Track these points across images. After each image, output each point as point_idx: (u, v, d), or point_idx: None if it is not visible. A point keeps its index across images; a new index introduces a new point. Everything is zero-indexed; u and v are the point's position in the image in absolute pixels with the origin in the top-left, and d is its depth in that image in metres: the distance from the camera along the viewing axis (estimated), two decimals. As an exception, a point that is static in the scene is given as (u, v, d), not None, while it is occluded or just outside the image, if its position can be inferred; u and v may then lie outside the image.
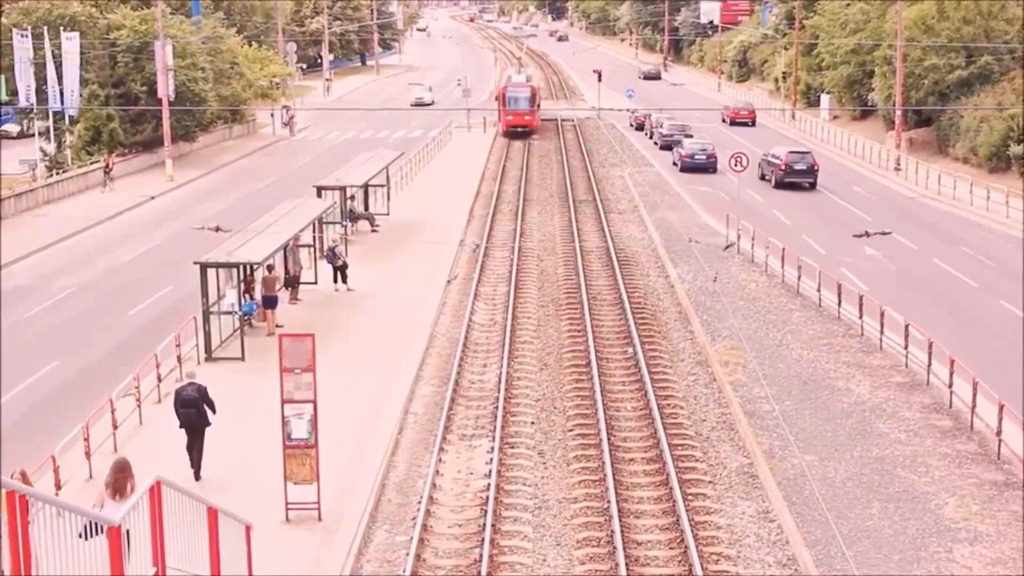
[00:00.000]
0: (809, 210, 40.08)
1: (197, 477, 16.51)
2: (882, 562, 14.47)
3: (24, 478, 13.28)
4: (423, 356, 23.03)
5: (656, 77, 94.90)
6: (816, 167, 44.34)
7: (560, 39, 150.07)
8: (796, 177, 44.04)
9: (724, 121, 63.17)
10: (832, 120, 63.42)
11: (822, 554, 14.58)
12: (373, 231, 34.80)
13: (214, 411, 16.82)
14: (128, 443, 17.79)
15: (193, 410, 16.57)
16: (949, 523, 15.53)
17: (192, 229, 29.44)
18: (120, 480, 11.95)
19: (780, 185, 43.82)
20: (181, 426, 16.63)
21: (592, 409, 19.98)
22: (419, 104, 73.98)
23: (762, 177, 45.22)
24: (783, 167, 44.07)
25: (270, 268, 23.57)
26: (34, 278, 30.66)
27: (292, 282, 26.62)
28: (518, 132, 59.46)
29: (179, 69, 50.23)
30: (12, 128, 54.76)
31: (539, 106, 62.18)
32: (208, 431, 16.81)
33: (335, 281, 27.85)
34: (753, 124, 63.56)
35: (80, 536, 8.23)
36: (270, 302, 23.91)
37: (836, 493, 16.39)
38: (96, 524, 9.32)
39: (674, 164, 49.77)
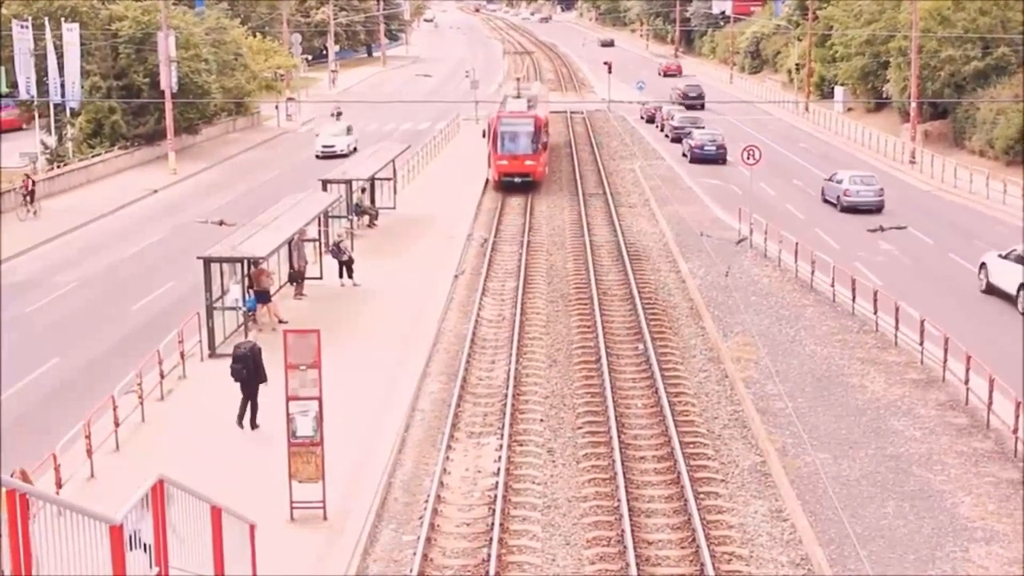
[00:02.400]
0: (822, 204, 39.72)
1: (253, 426, 18.37)
2: (897, 562, 14.32)
3: (24, 477, 13.23)
4: (430, 352, 22.85)
5: (611, 44, 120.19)
6: (882, 195, 37.77)
7: (543, 20, 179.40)
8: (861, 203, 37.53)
9: (660, 75, 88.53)
10: (846, 112, 62.97)
11: (836, 554, 14.44)
12: (370, 226, 34.56)
13: (263, 375, 18.31)
14: (130, 441, 17.68)
15: (240, 366, 18.18)
16: (965, 522, 15.36)
17: (196, 223, 29.29)
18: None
19: (846, 210, 37.28)
20: (235, 380, 18.09)
21: (602, 406, 19.82)
22: (328, 155, 48.65)
23: (825, 200, 39.28)
24: (844, 194, 38.02)
25: (256, 263, 23.25)
26: (35, 273, 30.51)
27: (297, 277, 26.42)
28: (515, 184, 40.00)
29: (182, 60, 49.79)
30: None
31: (546, 145, 42.96)
32: (210, 429, 16.71)
33: (341, 276, 27.65)
34: (679, 75, 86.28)
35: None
36: (261, 297, 23.69)
37: (850, 492, 16.23)
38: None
39: (683, 155, 49.74)
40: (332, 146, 49.68)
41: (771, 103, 68.73)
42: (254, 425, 18.41)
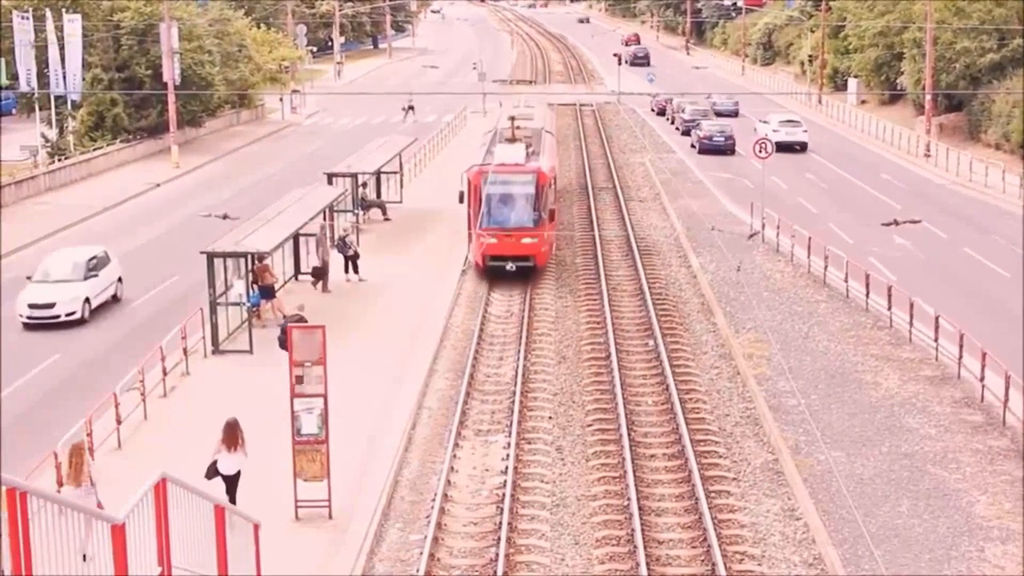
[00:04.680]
0: (835, 198, 39.42)
1: None
2: (911, 562, 14.21)
3: (79, 451, 13.62)
4: (437, 349, 22.68)
5: (586, 21, 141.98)
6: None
7: (531, 6, 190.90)
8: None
9: (623, 44, 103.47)
10: (860, 105, 62.54)
11: (849, 553, 14.32)
12: (385, 219, 34.38)
13: None
14: (132, 439, 17.58)
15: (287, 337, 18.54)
16: (981, 521, 15.24)
17: (199, 217, 29.05)
18: (231, 435, 14.71)
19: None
20: (283, 350, 17.94)
21: (612, 403, 19.66)
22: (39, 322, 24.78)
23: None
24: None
25: (260, 259, 23.09)
26: (35, 268, 30.28)
27: (322, 272, 26.18)
28: (504, 270, 27.15)
29: (185, 52, 49.33)
30: None
31: (554, 214, 29.20)
32: (213, 427, 16.50)
33: (346, 271, 27.48)
34: (638, 44, 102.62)
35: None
36: (266, 293, 23.52)
37: (864, 490, 16.11)
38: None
39: (692, 146, 49.86)
40: (45, 306, 24.41)
41: (783, 94, 68.32)
42: None
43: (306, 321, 19.94)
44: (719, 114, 55.86)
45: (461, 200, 28.23)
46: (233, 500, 14.15)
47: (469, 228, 28.07)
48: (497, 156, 28.11)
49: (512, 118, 30.27)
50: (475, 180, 27.66)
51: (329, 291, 26.25)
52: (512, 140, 29.01)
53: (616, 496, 16.14)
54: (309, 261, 27.78)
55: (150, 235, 34.13)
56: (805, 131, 49.70)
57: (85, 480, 13.32)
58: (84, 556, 8.13)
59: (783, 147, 46.10)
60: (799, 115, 53.78)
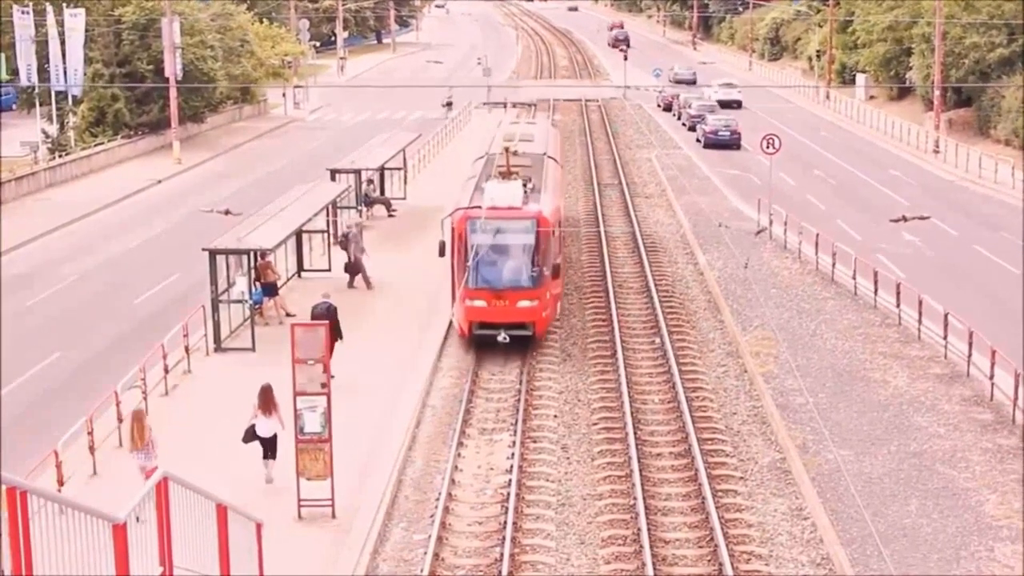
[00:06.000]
0: (844, 194, 39.23)
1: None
2: (920, 561, 14.12)
3: (140, 416, 14.98)
4: (441, 346, 22.55)
5: (575, 9, 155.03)
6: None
7: None
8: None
9: (608, 29, 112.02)
10: (868, 100, 62.28)
11: (858, 553, 14.23)
12: (390, 216, 34.23)
13: (339, 333, 19.77)
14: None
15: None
16: (990, 521, 15.15)
17: (201, 212, 28.92)
18: (266, 399, 15.40)
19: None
20: None
21: (618, 402, 19.56)
22: None
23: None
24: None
25: (263, 255, 22.99)
26: (36, 265, 30.29)
27: (354, 269, 25.98)
28: (495, 340, 22.02)
29: (187, 47, 49.12)
30: None
31: (559, 269, 23.76)
32: (215, 426, 16.53)
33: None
34: (622, 29, 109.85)
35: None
36: (268, 290, 23.44)
37: (872, 489, 16.01)
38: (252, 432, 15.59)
39: (697, 141, 49.93)
40: None
41: (790, 87, 68.12)
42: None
43: (334, 308, 20.35)
44: (678, 82, 68.80)
45: (442, 253, 22.84)
46: (274, 457, 15.61)
47: (453, 287, 22.76)
48: (487, 196, 22.33)
49: (507, 148, 24.18)
50: (459, 227, 22.07)
51: (355, 287, 25.99)
52: (506, 174, 23.17)
53: (622, 495, 16.04)
54: (312, 259, 27.70)
55: (151, 232, 34.07)
56: (739, 92, 62.73)
57: (147, 444, 14.78)
58: (137, 518, 8.54)
59: (723, 104, 58.90)
60: (736, 80, 68.90)
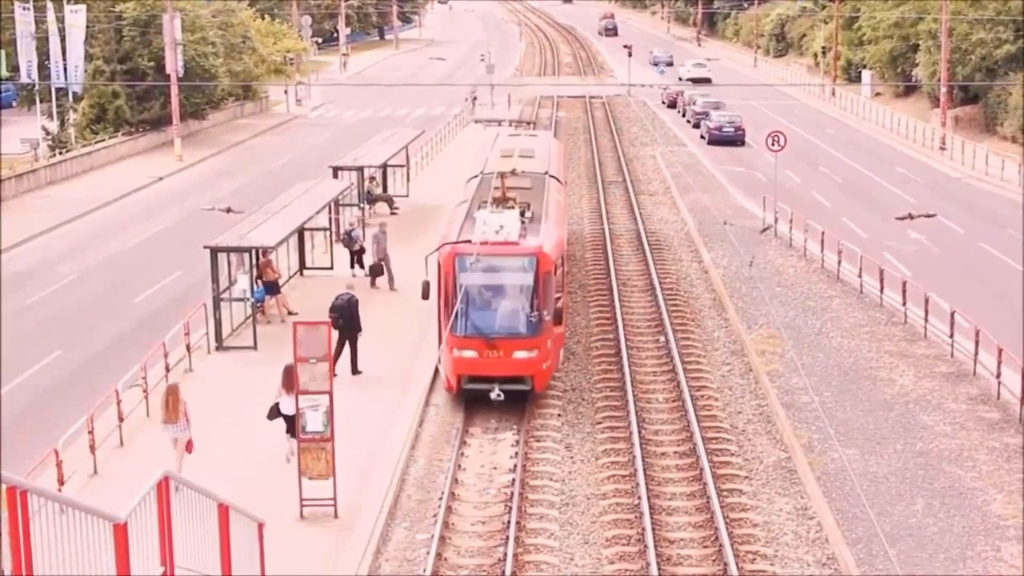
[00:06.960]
0: (850, 192, 39.10)
1: (354, 372, 19.88)
2: (926, 561, 14.03)
3: (174, 390, 15.42)
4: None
5: (569, 1, 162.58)
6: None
7: None
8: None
9: (599, 20, 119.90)
10: (874, 97, 62.09)
11: (863, 553, 14.15)
12: (393, 213, 34.15)
13: (358, 325, 20.01)
14: (135, 436, 17.42)
15: (337, 315, 19.61)
16: (997, 520, 15.07)
17: (202, 209, 28.86)
18: (289, 378, 15.27)
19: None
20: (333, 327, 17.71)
21: (622, 401, 19.49)
22: None
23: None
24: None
25: (265, 253, 22.92)
26: (36, 263, 30.21)
27: (377, 270, 25.86)
28: (487, 396, 18.87)
29: (188, 43, 48.95)
30: None
31: (561, 314, 20.20)
32: (217, 424, 16.47)
33: (352, 266, 27.19)
34: (612, 19, 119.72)
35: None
36: (270, 288, 23.37)
37: (878, 489, 15.93)
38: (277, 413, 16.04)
39: (701, 137, 49.94)
40: None
41: (796, 85, 67.94)
42: (355, 371, 19.92)
43: (356, 300, 20.26)
44: (656, 63, 77.41)
45: (426, 295, 19.65)
46: (295, 435, 15.37)
47: (440, 332, 19.68)
48: (479, 228, 19.30)
49: (502, 172, 21.52)
50: (447, 265, 19.08)
51: (395, 289, 25.66)
52: (502, 200, 20.53)
53: (626, 495, 15.97)
54: (314, 257, 27.62)
55: (152, 229, 34.00)
56: (709, 71, 71.42)
57: (181, 418, 15.22)
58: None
59: (695, 81, 67.44)
60: (705, 60, 78.50)
